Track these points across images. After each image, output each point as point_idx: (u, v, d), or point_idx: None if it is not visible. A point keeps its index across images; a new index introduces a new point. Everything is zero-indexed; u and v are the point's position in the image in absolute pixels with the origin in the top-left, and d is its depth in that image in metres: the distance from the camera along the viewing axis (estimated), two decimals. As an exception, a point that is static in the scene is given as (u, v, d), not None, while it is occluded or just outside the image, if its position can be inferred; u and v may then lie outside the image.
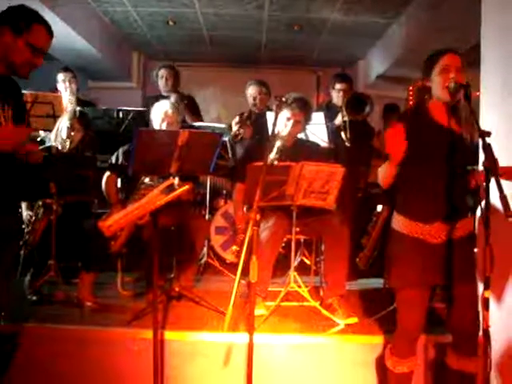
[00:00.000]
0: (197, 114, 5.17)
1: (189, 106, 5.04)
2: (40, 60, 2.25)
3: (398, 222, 2.40)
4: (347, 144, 4.09)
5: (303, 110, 3.58)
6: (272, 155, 3.43)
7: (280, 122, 3.54)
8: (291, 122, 3.56)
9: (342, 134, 4.12)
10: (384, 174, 2.37)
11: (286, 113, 3.53)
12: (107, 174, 3.72)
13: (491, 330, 1.95)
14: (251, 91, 4.99)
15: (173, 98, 4.67)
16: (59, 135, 3.79)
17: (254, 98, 4.97)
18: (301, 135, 3.90)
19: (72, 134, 3.77)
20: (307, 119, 3.68)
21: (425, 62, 2.38)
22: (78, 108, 4.30)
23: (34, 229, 3.56)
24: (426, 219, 2.32)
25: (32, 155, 2.32)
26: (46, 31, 2.27)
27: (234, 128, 4.73)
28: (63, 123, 3.81)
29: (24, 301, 3.43)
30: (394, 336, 2.49)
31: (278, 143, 3.44)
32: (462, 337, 2.38)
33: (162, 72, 5.01)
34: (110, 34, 6.57)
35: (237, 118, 4.77)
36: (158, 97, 4.91)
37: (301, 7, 5.59)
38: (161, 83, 5.00)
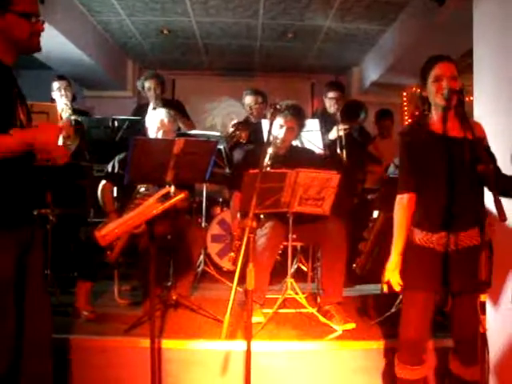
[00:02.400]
0: (187, 117, 5.16)
1: (180, 111, 5.04)
2: (40, 25, 2.09)
3: (411, 232, 2.44)
4: (343, 161, 4.12)
5: (296, 116, 3.60)
6: (264, 161, 3.44)
7: (274, 130, 3.56)
8: (284, 128, 3.58)
9: (338, 150, 4.15)
10: None
11: (279, 120, 3.55)
12: (103, 182, 3.71)
13: (488, 333, 1.96)
14: (247, 101, 5.01)
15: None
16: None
17: (251, 108, 4.98)
18: (296, 142, 3.92)
19: (68, 142, 3.78)
20: (301, 126, 3.70)
21: (420, 71, 2.42)
22: (74, 117, 4.30)
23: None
24: (431, 229, 2.35)
25: (61, 157, 2.26)
26: None
27: (231, 129, 4.74)
28: None
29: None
30: (399, 343, 2.49)
31: (270, 150, 3.45)
32: (463, 345, 2.38)
33: (148, 83, 4.95)
34: (105, 44, 6.59)
35: (234, 121, 4.79)
36: (146, 105, 4.95)
37: (295, 15, 5.62)
38: (148, 94, 4.98)
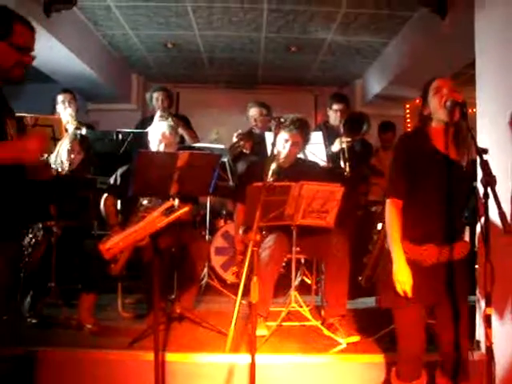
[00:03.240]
0: (192, 130, 5.21)
1: (185, 125, 5.09)
2: (29, 58, 2.19)
3: None
4: (346, 174, 4.11)
5: (301, 131, 3.60)
6: (268, 177, 3.44)
7: (279, 143, 3.56)
8: (289, 143, 3.58)
9: (341, 163, 4.15)
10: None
11: (284, 134, 3.55)
12: (105, 195, 3.73)
13: (494, 347, 1.95)
14: (252, 113, 5.04)
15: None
16: (59, 157, 3.81)
17: (255, 120, 5.01)
18: (299, 155, 3.92)
19: (72, 156, 3.80)
20: (306, 140, 3.70)
21: (421, 93, 2.44)
22: (79, 131, 4.33)
23: (34, 251, 3.55)
24: (419, 241, 2.34)
25: (43, 172, 2.32)
26: (28, 28, 2.18)
27: (234, 140, 4.77)
28: (64, 145, 3.83)
29: (24, 324, 3.41)
30: (397, 359, 2.47)
31: (273, 166, 3.44)
32: (448, 359, 2.36)
33: (157, 94, 5.07)
34: (109, 57, 6.64)
35: (238, 132, 4.82)
36: (150, 118, 4.98)
37: (298, 28, 5.65)
38: (156, 106, 5.06)
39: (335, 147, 4.34)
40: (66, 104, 4.82)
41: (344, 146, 4.21)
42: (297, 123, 3.56)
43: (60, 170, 3.77)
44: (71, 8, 4.75)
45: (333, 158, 4.31)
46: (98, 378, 2.87)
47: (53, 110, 4.81)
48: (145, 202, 3.65)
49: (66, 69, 5.75)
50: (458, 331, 2.29)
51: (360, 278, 3.70)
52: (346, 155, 4.18)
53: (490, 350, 1.95)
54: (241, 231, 3.65)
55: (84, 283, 3.49)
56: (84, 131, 4.60)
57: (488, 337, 1.95)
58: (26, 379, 2.80)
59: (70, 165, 3.78)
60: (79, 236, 3.71)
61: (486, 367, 1.97)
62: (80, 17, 5.42)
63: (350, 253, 3.45)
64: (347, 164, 4.15)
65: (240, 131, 4.84)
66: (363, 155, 4.66)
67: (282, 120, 3.27)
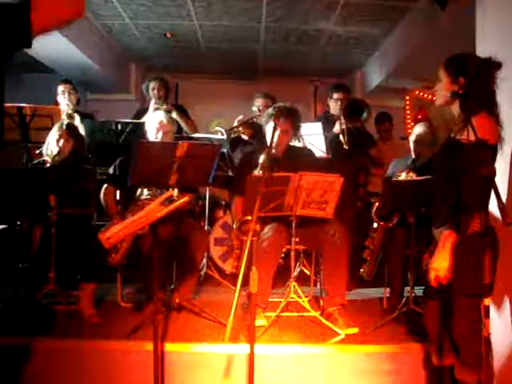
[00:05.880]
0: (191, 121, 5.20)
1: (183, 115, 5.08)
2: None
3: None
4: (345, 147, 4.08)
5: (289, 118, 3.58)
6: (256, 170, 3.44)
7: (269, 133, 3.54)
8: (278, 131, 3.56)
9: (341, 137, 4.12)
10: None
11: (271, 123, 3.52)
12: (105, 185, 3.73)
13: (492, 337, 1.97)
14: (257, 103, 5.04)
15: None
16: (49, 147, 3.80)
17: (260, 110, 5.00)
18: (298, 145, 3.90)
19: (60, 144, 3.77)
20: (295, 128, 3.68)
21: None
22: (66, 121, 4.29)
23: (32, 240, 3.55)
24: None
25: None
26: None
27: (235, 124, 4.76)
28: (52, 135, 3.82)
29: (23, 313, 3.42)
30: None
31: (261, 158, 3.43)
32: None
33: (153, 84, 5.08)
34: (109, 47, 6.61)
35: (239, 117, 4.81)
36: (146, 110, 4.98)
37: (298, 19, 5.64)
38: (152, 95, 5.06)
39: (336, 129, 4.32)
40: (66, 94, 4.84)
41: (344, 126, 4.18)
42: (284, 111, 3.55)
43: (49, 159, 3.75)
44: (70, -3, 4.72)
45: (332, 142, 4.28)
46: (97, 367, 2.88)
47: (55, 102, 4.81)
48: (144, 191, 3.65)
49: (64, 59, 5.73)
50: None
51: (361, 271, 3.72)
52: (346, 134, 4.14)
53: (487, 340, 1.96)
54: (235, 226, 3.63)
55: (84, 273, 3.49)
56: (78, 120, 4.60)
57: (486, 327, 1.96)
58: (23, 369, 2.81)
59: (59, 153, 3.75)
60: (79, 226, 3.71)
61: (484, 357, 1.98)
62: (79, 6, 5.39)
63: (349, 243, 3.45)
64: (345, 138, 4.11)
65: (242, 117, 4.83)
66: (363, 141, 4.62)
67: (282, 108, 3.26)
